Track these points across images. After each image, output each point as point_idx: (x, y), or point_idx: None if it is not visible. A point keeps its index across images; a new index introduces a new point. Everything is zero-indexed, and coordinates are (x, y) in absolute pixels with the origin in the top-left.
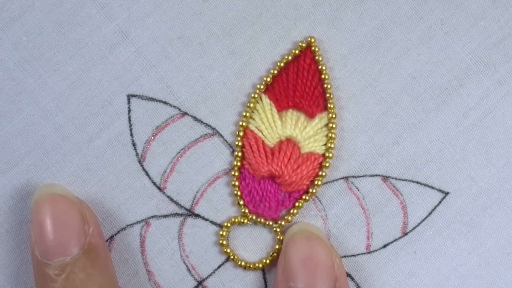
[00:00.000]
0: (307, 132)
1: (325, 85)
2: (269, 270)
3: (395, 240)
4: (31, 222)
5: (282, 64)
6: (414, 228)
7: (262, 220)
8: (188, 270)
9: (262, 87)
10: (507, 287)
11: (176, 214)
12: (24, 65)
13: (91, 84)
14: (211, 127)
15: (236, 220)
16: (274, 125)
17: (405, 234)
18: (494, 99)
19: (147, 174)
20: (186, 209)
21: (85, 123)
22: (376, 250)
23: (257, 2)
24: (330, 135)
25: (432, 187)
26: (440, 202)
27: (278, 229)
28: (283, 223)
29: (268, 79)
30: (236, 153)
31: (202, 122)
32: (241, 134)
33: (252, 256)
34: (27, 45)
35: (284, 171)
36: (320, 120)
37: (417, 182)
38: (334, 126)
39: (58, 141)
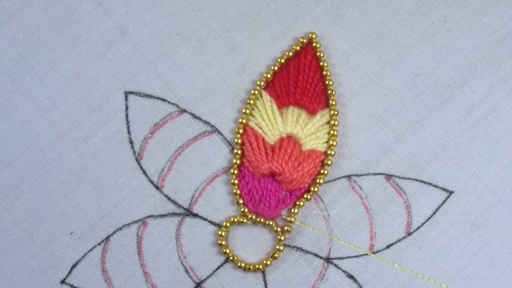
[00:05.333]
0: (308, 129)
1: (327, 82)
2: (269, 271)
3: (398, 240)
4: None
5: (282, 61)
6: (418, 228)
7: (262, 220)
8: (186, 271)
9: (262, 83)
10: None
11: (174, 214)
12: (20, 62)
13: (88, 81)
14: (210, 124)
15: (236, 220)
16: (274, 122)
17: (409, 234)
18: (498, 96)
19: (144, 172)
20: (184, 209)
21: (82, 121)
22: (379, 251)
23: None
24: (332, 132)
25: (436, 186)
26: (444, 201)
27: (278, 229)
28: (283, 223)
29: (269, 76)
30: (235, 151)
31: (201, 119)
32: (241, 131)
33: (252, 257)
34: (24, 42)
35: (285, 168)
36: (321, 117)
37: (421, 181)
38: (336, 123)
39: (53, 139)
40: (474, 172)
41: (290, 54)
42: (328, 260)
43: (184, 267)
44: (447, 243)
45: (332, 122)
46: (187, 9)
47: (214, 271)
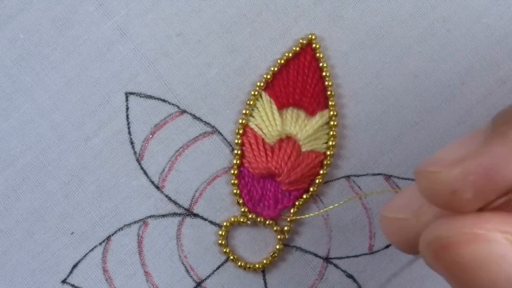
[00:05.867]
0: (307, 130)
1: (326, 83)
2: (269, 270)
3: None
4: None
5: (282, 62)
6: None
7: (262, 220)
8: (187, 271)
9: (262, 84)
10: None
11: (175, 214)
12: (21, 62)
13: (89, 82)
14: (210, 125)
15: (236, 220)
16: (274, 123)
17: None
18: (497, 97)
19: (145, 173)
20: (185, 209)
21: (82, 121)
22: (378, 251)
23: None
24: (331, 133)
25: None
26: None
27: (278, 229)
28: (283, 223)
29: (268, 77)
30: (235, 151)
31: (201, 120)
32: (241, 132)
33: (252, 257)
34: (24, 43)
35: (284, 169)
36: (320, 118)
37: None
38: (335, 123)
39: (54, 140)
40: None
41: (290, 55)
42: (327, 259)
43: (185, 266)
44: None
45: (331, 123)
46: (187, 10)
47: (214, 271)
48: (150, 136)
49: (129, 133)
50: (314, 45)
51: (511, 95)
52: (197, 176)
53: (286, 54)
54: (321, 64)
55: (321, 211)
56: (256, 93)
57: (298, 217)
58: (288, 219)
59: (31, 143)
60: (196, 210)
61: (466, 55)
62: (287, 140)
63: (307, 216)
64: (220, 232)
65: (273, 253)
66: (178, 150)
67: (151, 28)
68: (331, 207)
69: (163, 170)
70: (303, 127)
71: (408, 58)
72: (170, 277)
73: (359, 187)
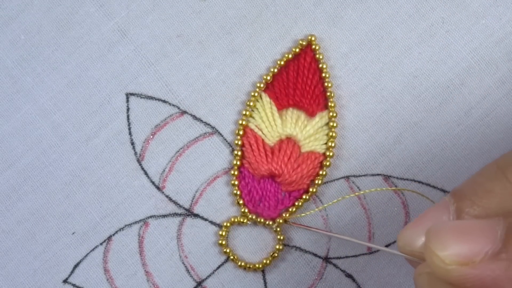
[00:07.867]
0: (307, 131)
1: (326, 84)
2: (269, 270)
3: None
4: None
5: (282, 63)
6: None
7: (262, 220)
8: (187, 270)
9: (262, 85)
10: None
11: (175, 214)
12: (22, 63)
13: (90, 83)
14: (210, 125)
15: (236, 220)
16: (274, 123)
17: None
18: (495, 97)
19: (145, 173)
20: (185, 209)
21: (83, 122)
22: (377, 251)
23: (257, 0)
24: (330, 134)
25: (433, 187)
26: None
27: (278, 229)
28: (282, 222)
29: (268, 78)
30: (235, 152)
31: (201, 120)
32: (241, 132)
33: (252, 257)
34: (25, 44)
35: (284, 170)
36: (320, 118)
37: (419, 182)
38: (334, 124)
39: (55, 140)
40: (472, 173)
41: (290, 56)
42: (326, 259)
43: (185, 266)
44: None
45: (331, 123)
46: (188, 11)
47: (215, 271)
48: (151, 136)
49: (130, 133)
50: (313, 46)
51: (510, 96)
52: (197, 176)
53: (286, 55)
54: (320, 65)
55: (317, 209)
56: (256, 94)
57: (294, 217)
58: (281, 220)
59: (32, 143)
60: (196, 210)
61: (465, 56)
62: (287, 141)
63: (302, 215)
64: (220, 232)
65: (273, 253)
66: (178, 151)
67: (151, 29)
68: (320, 207)
69: (164, 170)
70: (303, 128)
71: (408, 59)
72: (171, 276)
73: (358, 187)
